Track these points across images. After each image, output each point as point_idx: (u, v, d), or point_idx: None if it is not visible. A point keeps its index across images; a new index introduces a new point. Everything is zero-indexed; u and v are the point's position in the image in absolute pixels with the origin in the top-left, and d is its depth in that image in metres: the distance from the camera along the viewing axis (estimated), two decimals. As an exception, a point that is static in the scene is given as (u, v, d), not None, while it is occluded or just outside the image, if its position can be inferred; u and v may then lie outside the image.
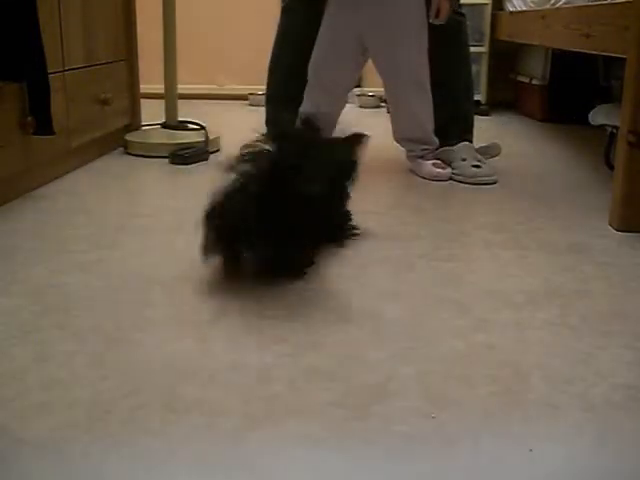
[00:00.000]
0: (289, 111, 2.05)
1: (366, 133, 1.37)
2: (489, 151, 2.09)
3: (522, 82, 3.27)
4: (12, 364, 0.90)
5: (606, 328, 1.03)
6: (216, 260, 1.16)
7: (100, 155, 2.19)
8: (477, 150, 2.04)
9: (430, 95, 1.96)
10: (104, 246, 1.36)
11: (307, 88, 2.02)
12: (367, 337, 0.99)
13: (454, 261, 1.31)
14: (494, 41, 3.24)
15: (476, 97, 3.06)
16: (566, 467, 0.72)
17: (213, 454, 0.72)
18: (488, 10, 3.22)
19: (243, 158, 1.17)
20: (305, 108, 2.02)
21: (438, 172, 1.95)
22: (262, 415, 0.79)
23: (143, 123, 2.46)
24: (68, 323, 1.01)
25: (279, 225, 1.12)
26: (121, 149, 2.27)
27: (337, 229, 1.40)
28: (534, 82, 3.10)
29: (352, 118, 3.05)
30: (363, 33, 1.92)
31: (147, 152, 2.20)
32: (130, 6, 2.35)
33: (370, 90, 3.52)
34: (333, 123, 2.08)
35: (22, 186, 1.70)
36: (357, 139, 1.36)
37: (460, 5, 2.04)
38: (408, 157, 2.07)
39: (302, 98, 2.03)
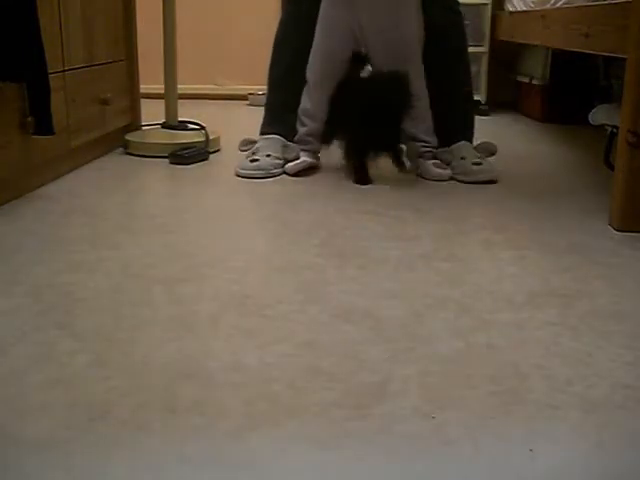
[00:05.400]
0: (290, 105, 2.05)
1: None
2: (485, 149, 2.08)
3: (522, 82, 3.27)
4: (12, 364, 0.90)
5: (606, 328, 1.03)
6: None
7: (100, 155, 2.19)
8: (474, 148, 2.04)
9: (427, 94, 1.96)
10: (104, 246, 1.36)
11: (305, 87, 2.01)
12: (367, 337, 0.99)
13: (454, 261, 1.31)
14: (494, 41, 3.24)
15: (476, 97, 3.06)
16: (566, 467, 0.72)
17: (213, 454, 0.72)
18: (488, 10, 3.22)
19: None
20: (304, 106, 2.02)
21: (438, 172, 1.95)
22: (262, 415, 0.79)
23: (143, 123, 2.46)
24: (68, 323, 1.02)
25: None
26: (121, 149, 2.27)
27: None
28: (534, 82, 3.10)
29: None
30: (359, 30, 1.91)
31: (147, 152, 2.20)
32: (130, 6, 2.35)
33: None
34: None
35: (22, 186, 1.70)
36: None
37: (458, 4, 2.03)
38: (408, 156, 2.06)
39: (301, 96, 2.03)
